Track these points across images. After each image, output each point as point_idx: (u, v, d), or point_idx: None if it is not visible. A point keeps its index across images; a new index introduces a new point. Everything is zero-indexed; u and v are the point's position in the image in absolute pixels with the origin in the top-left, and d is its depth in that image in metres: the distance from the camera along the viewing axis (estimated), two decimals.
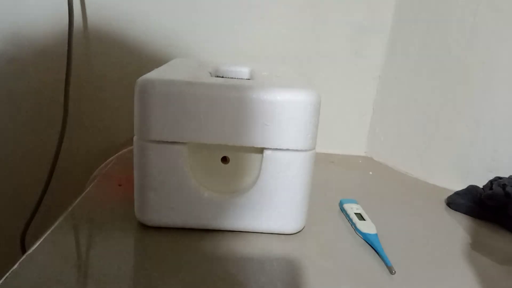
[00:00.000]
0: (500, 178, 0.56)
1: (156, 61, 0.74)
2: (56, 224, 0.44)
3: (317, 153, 0.44)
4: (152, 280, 0.35)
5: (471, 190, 0.58)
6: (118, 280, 0.35)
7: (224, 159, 0.44)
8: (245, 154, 0.43)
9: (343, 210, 0.53)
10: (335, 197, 0.56)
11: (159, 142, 0.41)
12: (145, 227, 0.44)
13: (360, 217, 0.49)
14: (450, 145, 0.65)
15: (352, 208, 0.51)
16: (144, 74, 0.42)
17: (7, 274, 0.35)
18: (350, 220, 0.50)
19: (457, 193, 0.59)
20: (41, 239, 0.40)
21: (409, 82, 0.71)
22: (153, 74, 0.42)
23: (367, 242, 0.45)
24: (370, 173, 0.71)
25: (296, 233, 0.46)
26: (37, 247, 0.39)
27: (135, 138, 0.42)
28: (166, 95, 0.39)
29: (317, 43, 0.75)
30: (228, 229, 0.44)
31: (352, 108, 0.79)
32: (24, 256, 0.37)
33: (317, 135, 0.43)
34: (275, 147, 0.41)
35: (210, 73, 0.49)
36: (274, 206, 0.43)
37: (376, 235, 0.45)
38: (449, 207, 0.58)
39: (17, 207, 0.80)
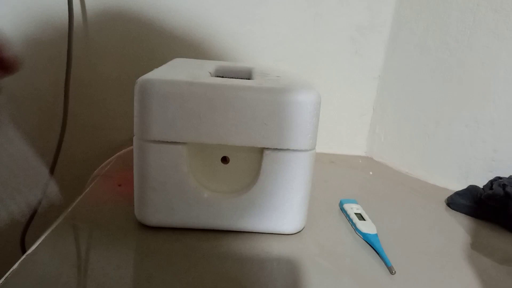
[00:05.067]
0: (500, 178, 0.56)
1: (156, 61, 0.74)
2: (56, 224, 0.44)
3: (317, 153, 0.44)
4: (152, 280, 0.35)
5: (471, 190, 0.58)
6: (118, 280, 0.35)
7: (224, 159, 0.44)
8: (245, 154, 0.43)
9: (343, 210, 0.53)
10: (335, 197, 0.56)
11: (159, 142, 0.41)
12: (145, 227, 0.44)
13: (360, 217, 0.49)
14: (450, 145, 0.65)
15: (352, 208, 0.51)
16: (144, 74, 0.42)
17: (7, 274, 0.35)
18: (350, 220, 0.50)
19: (457, 193, 0.59)
20: (41, 239, 0.40)
21: (409, 82, 0.71)
22: (153, 74, 0.42)
23: (367, 242, 0.45)
24: (370, 173, 0.71)
25: (296, 233, 0.46)
26: (37, 247, 0.39)
27: (135, 138, 0.42)
28: (166, 95, 0.39)
29: (317, 43, 0.75)
30: (228, 229, 0.44)
31: (352, 108, 0.79)
32: (24, 256, 0.37)
33: (317, 135, 0.43)
34: (275, 147, 0.41)
35: (210, 73, 0.49)
36: (274, 206, 0.43)
37: (376, 235, 0.45)
38: (449, 207, 0.58)
39: None
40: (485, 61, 0.60)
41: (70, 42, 0.69)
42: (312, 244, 0.44)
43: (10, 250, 0.80)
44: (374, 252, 0.43)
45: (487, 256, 0.45)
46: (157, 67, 0.49)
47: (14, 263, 0.36)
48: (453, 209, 0.57)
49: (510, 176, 0.57)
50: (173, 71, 0.46)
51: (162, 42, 0.73)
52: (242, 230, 0.45)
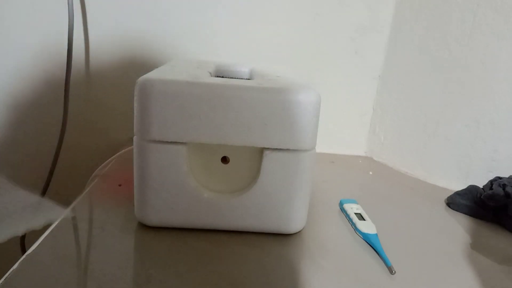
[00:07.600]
0: (500, 178, 0.56)
1: (156, 61, 0.74)
2: (56, 224, 0.44)
3: (317, 153, 0.44)
4: (152, 280, 0.35)
5: (471, 190, 0.58)
6: (118, 280, 0.35)
7: (224, 159, 0.44)
8: (245, 154, 0.43)
9: (343, 210, 0.53)
10: (335, 197, 0.56)
11: (159, 142, 0.41)
12: (145, 227, 0.44)
13: (360, 217, 0.49)
14: (450, 145, 0.65)
15: (352, 208, 0.51)
16: (144, 74, 0.42)
17: (7, 274, 0.35)
18: (350, 220, 0.50)
19: (457, 193, 0.59)
20: (41, 239, 0.40)
21: (409, 82, 0.71)
22: (153, 74, 0.42)
23: (367, 242, 0.45)
24: (370, 173, 0.71)
25: (296, 233, 0.46)
26: (37, 247, 0.39)
27: (135, 138, 0.42)
28: (166, 95, 0.39)
29: (317, 43, 0.75)
30: (228, 229, 0.44)
31: (352, 108, 0.79)
32: (24, 256, 0.37)
33: (317, 135, 0.43)
34: (275, 147, 0.41)
35: (210, 73, 0.49)
36: (274, 206, 0.43)
37: (376, 235, 0.45)
38: (449, 207, 0.58)
39: None
40: (485, 61, 0.60)
41: (70, 42, 0.69)
42: (312, 244, 0.44)
43: (10, 250, 0.80)
44: (374, 252, 0.43)
45: (487, 256, 0.45)
46: (157, 67, 0.49)
47: (14, 263, 0.36)
48: (453, 209, 0.57)
49: (510, 176, 0.57)
50: (173, 71, 0.46)
51: (162, 42, 0.73)
52: (242, 230, 0.45)
